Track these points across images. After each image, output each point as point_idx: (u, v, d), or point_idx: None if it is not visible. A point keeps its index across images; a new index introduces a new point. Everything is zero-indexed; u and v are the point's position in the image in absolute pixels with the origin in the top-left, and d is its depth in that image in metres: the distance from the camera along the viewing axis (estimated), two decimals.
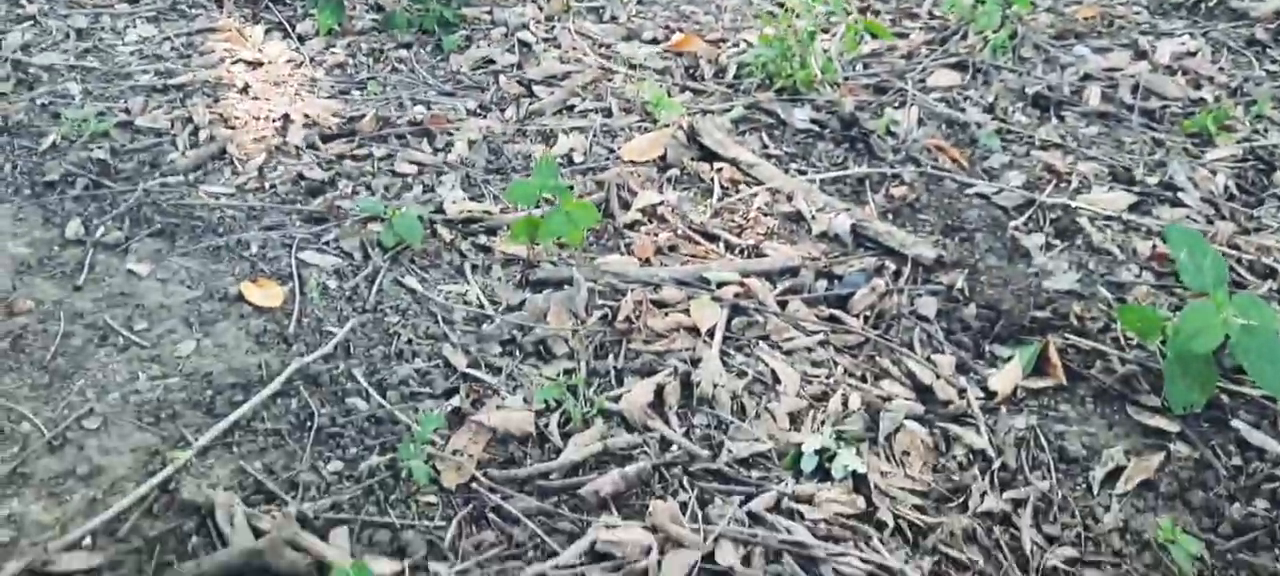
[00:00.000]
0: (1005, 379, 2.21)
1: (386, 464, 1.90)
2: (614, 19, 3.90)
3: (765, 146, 3.07)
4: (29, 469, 1.87)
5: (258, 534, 1.69)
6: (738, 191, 2.84)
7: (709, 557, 1.70)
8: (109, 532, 1.74)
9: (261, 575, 1.63)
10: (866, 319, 2.37)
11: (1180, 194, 2.86)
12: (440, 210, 2.66)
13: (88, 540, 1.73)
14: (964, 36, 3.69)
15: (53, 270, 2.40)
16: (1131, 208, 2.81)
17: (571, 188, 2.59)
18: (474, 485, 1.87)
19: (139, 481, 1.84)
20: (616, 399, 2.09)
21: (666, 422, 2.05)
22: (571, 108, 3.27)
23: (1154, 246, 2.64)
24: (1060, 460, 2.05)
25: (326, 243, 2.54)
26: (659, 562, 1.69)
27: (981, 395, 2.18)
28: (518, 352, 2.21)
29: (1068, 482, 1.99)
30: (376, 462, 1.90)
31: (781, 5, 3.66)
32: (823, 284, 2.48)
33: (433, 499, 1.85)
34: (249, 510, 1.75)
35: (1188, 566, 1.78)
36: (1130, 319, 2.26)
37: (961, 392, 2.17)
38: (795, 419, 2.10)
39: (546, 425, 2.02)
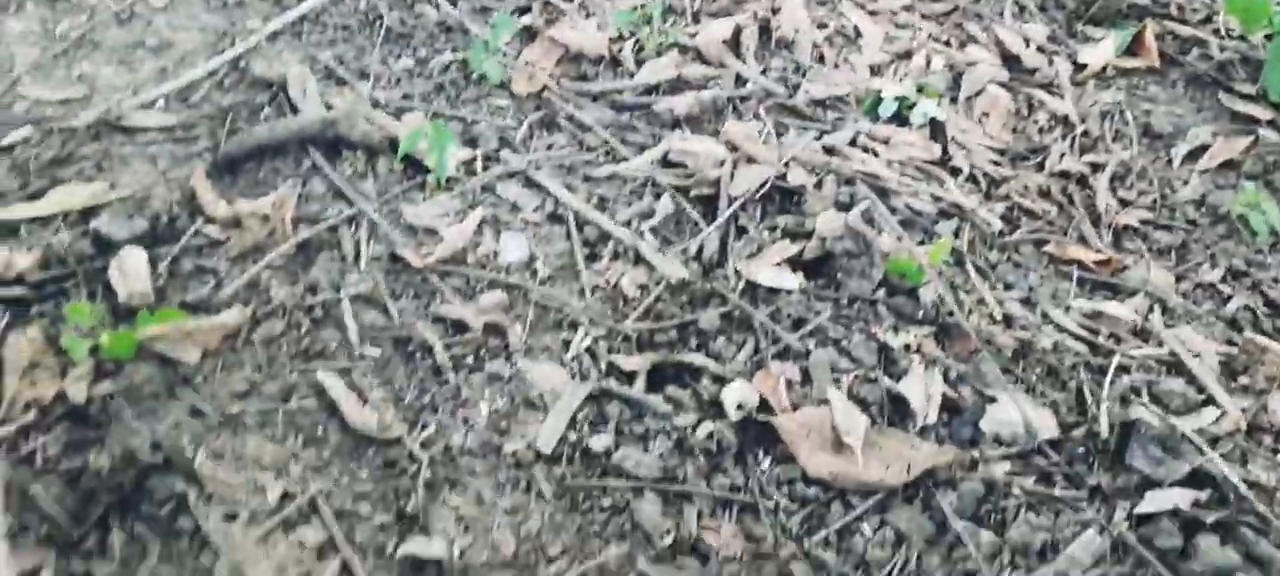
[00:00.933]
0: (1097, 54, 2.12)
1: (458, 63, 1.86)
2: None
3: None
4: (98, 37, 1.84)
5: (330, 108, 1.67)
6: None
7: (781, 177, 1.67)
8: (181, 98, 1.72)
9: (335, 143, 1.61)
10: None
11: None
12: None
13: (160, 103, 1.71)
14: None
15: None
16: None
17: None
18: (545, 93, 1.83)
19: (208, 57, 1.81)
20: (692, 34, 2.02)
21: (742, 61, 1.99)
22: None
23: None
24: (1144, 134, 1.98)
25: None
26: (731, 175, 1.66)
27: (1071, 68, 2.10)
28: None
29: (1149, 154, 1.94)
30: (448, 60, 1.86)
31: None
32: None
33: (503, 102, 1.81)
34: (322, 88, 1.73)
35: (1264, 235, 1.74)
36: (1235, 6, 2.15)
37: (1050, 61, 2.09)
38: (876, 70, 2.03)
39: (620, 50, 1.96)
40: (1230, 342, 1.53)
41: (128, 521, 1.10)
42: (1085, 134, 1.95)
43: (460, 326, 1.36)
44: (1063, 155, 1.88)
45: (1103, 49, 2.13)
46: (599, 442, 1.24)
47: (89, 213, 1.47)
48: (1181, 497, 1.20)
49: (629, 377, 1.34)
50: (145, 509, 1.11)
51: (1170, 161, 1.92)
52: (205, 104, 1.72)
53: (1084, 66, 2.10)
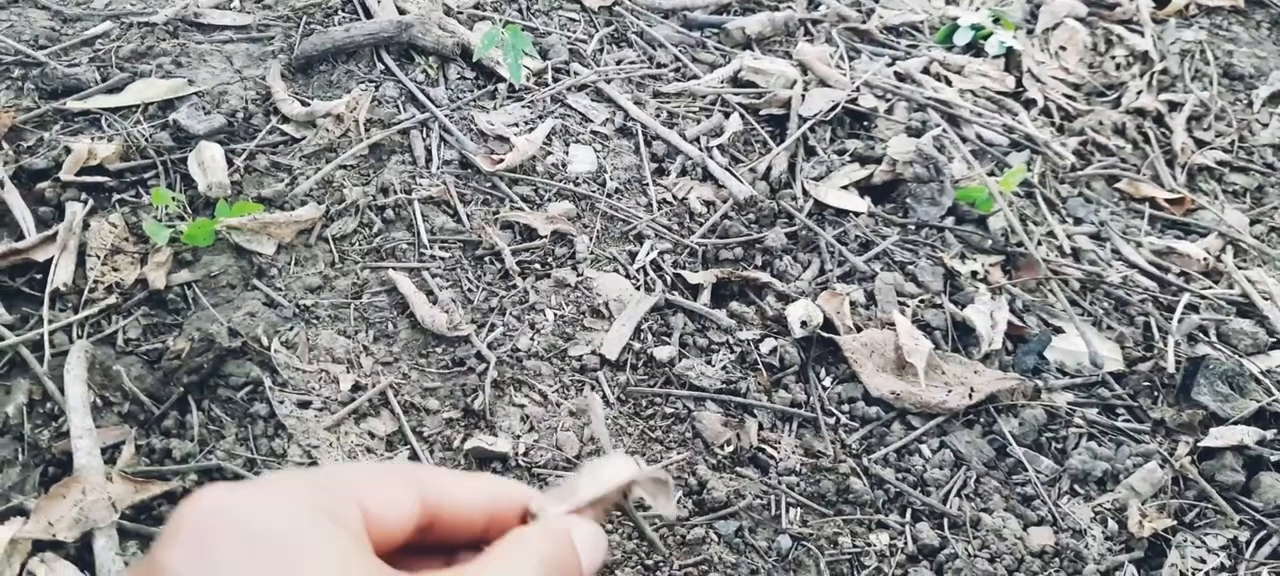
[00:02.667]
0: None
1: None
2: None
3: None
4: None
5: (403, 12, 1.68)
6: None
7: (852, 101, 1.66)
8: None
9: (407, 47, 1.62)
10: None
11: None
12: None
13: (236, 2, 1.72)
14: None
15: None
16: None
17: None
18: (617, 8, 1.82)
19: None
20: None
21: None
22: None
23: None
24: (1224, 75, 1.94)
25: None
26: (802, 96, 1.65)
27: (1152, 4, 2.05)
28: None
29: (1228, 95, 1.90)
30: None
31: None
32: None
33: (575, 15, 1.81)
34: None
35: None
36: None
37: None
38: None
39: None
40: None
41: (205, 402, 1.13)
42: (1164, 72, 1.91)
43: (529, 233, 1.37)
44: (1140, 92, 1.85)
45: None
46: (663, 353, 1.25)
47: (167, 106, 1.49)
48: (1247, 434, 1.19)
49: (694, 291, 1.34)
50: (222, 392, 1.14)
51: (1250, 103, 1.88)
52: (279, 4, 1.73)
53: (1166, 3, 2.05)
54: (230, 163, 1.40)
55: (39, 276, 1.23)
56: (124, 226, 1.30)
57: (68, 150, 1.37)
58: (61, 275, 1.22)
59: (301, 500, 0.44)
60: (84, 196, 1.34)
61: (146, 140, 1.42)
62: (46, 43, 1.58)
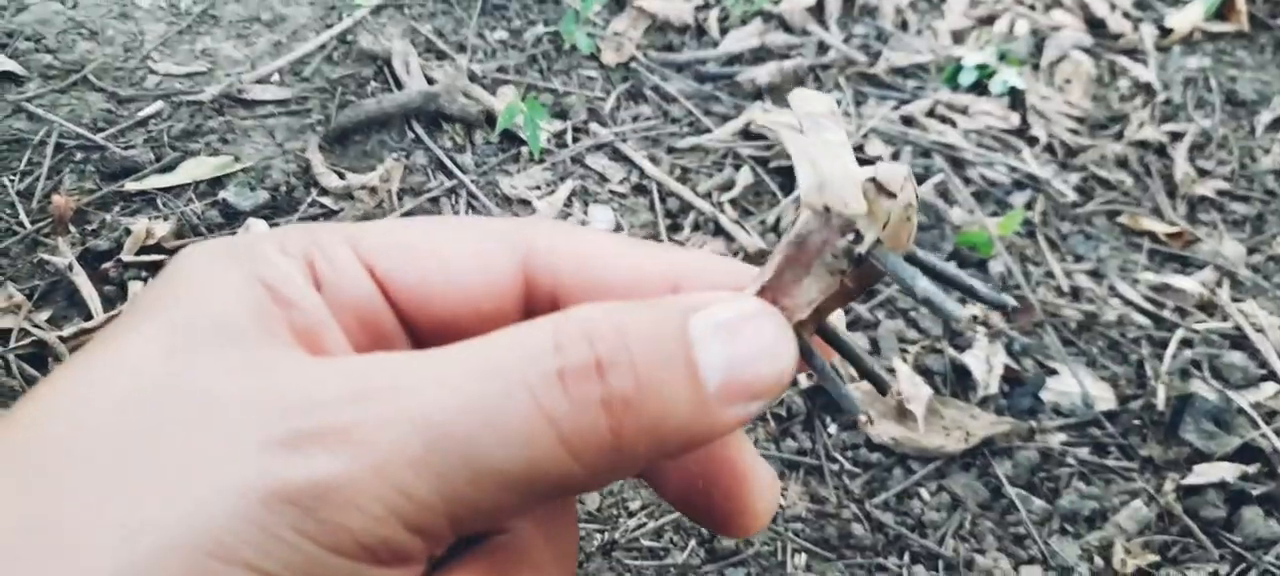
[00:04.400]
0: (1184, 18, 2.12)
1: (549, 36, 1.95)
2: None
3: None
4: (218, 12, 1.98)
5: (431, 82, 1.79)
6: None
7: (859, 148, 1.74)
8: (294, 72, 1.85)
9: (435, 115, 1.73)
10: None
11: None
12: None
13: (276, 77, 1.84)
14: None
15: None
16: None
17: None
18: (633, 64, 1.92)
19: (318, 31, 1.94)
20: (777, 1, 2.09)
21: (825, 28, 2.05)
22: None
23: None
24: (1227, 101, 1.99)
25: None
26: None
27: (1157, 33, 2.11)
28: None
29: (1231, 123, 1.95)
30: (540, 32, 1.95)
31: None
32: None
33: (593, 73, 1.90)
34: (423, 61, 1.84)
35: None
36: None
37: (1136, 26, 2.10)
38: (958, 37, 2.07)
39: (705, 18, 2.04)
40: None
41: None
42: (1167, 102, 1.97)
43: None
44: (1142, 123, 1.91)
45: (1190, 12, 2.13)
46: None
47: (217, 183, 1.61)
48: (1228, 470, 1.26)
49: None
50: None
51: (1252, 130, 1.93)
52: (316, 77, 1.85)
53: (1170, 31, 2.11)
54: None
55: None
56: None
57: (128, 231, 1.49)
58: None
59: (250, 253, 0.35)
60: (144, 274, 1.46)
61: (198, 218, 1.54)
62: (104, 125, 1.70)
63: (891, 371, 1.38)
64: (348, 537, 0.29)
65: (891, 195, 0.34)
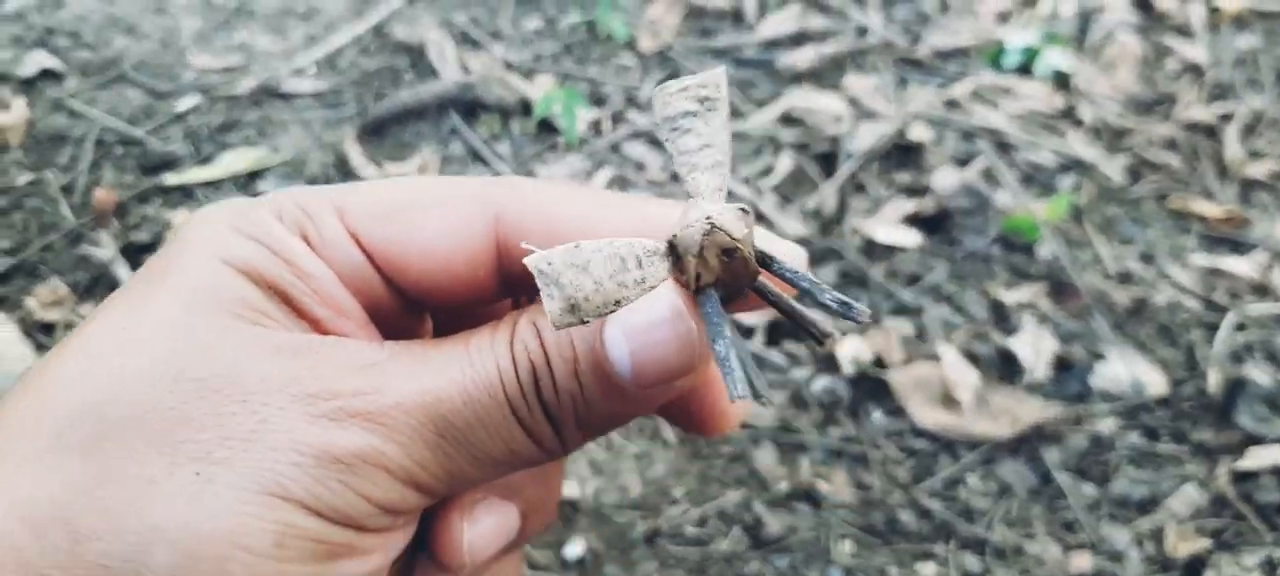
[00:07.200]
0: None
1: (585, 24, 1.94)
2: None
3: None
4: (251, 5, 1.99)
5: (466, 72, 1.78)
6: None
7: (901, 133, 1.71)
8: (329, 65, 1.86)
9: (472, 105, 1.72)
10: None
11: None
12: None
13: (311, 69, 1.84)
14: None
15: None
16: None
17: None
18: (670, 51, 1.90)
19: (352, 22, 1.93)
20: None
21: (865, 11, 2.02)
22: None
23: None
24: (1278, 81, 1.94)
25: None
26: (851, 131, 1.71)
27: (1206, 11, 2.06)
28: None
29: None
30: (575, 21, 1.94)
31: None
32: None
33: (629, 62, 1.89)
34: (458, 50, 1.84)
35: None
36: None
37: (1184, 4, 2.06)
38: (1002, 18, 2.03)
39: (742, 3, 2.02)
40: None
41: None
42: (1217, 82, 1.92)
43: None
44: (1191, 104, 1.87)
45: None
46: None
47: (255, 176, 1.61)
48: None
49: (748, 331, 1.42)
50: None
51: None
52: (351, 69, 1.85)
53: (1220, 10, 2.06)
54: None
55: None
56: None
57: (168, 225, 1.50)
58: None
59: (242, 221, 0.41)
60: None
61: None
62: (144, 119, 1.71)
63: (938, 358, 1.36)
64: (377, 491, 0.39)
65: (696, 253, 0.36)
